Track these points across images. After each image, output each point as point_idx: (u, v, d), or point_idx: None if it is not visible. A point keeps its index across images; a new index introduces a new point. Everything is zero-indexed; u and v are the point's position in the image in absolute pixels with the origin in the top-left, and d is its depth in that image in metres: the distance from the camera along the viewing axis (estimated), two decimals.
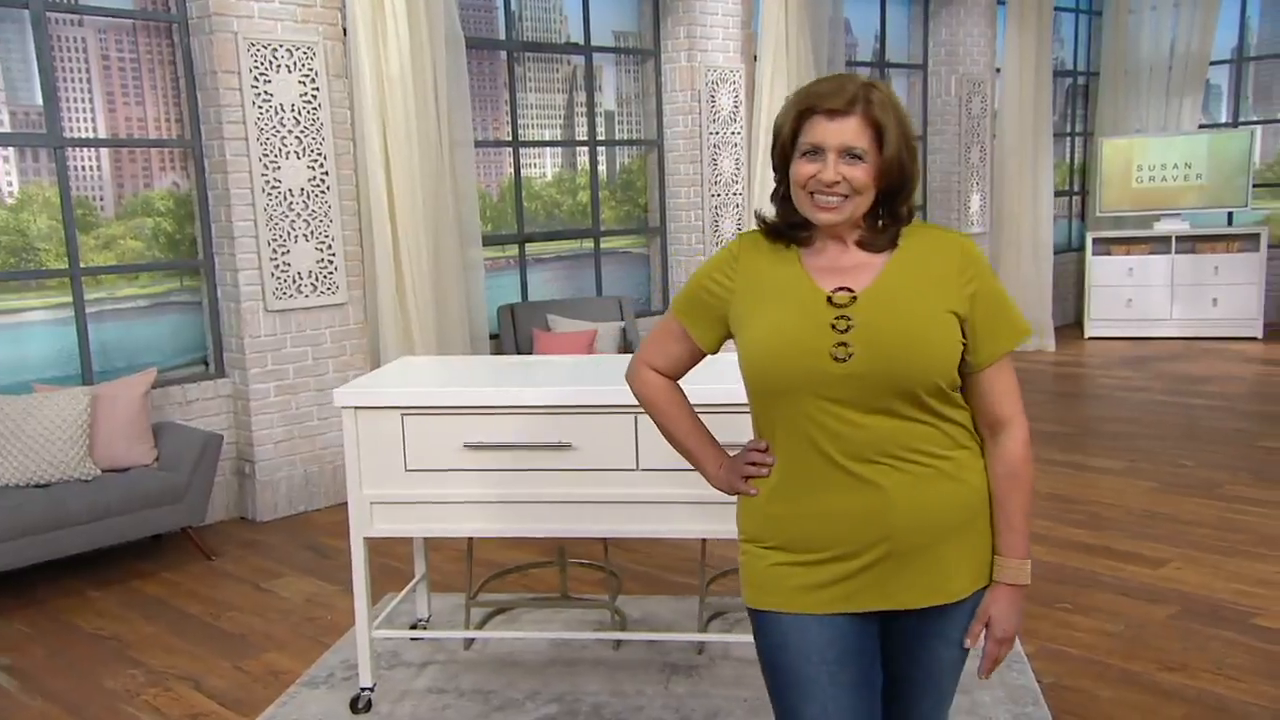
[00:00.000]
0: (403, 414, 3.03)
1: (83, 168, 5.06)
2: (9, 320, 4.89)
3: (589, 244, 7.00)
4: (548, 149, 6.81)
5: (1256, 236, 9.46)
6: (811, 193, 1.69)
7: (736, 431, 2.02)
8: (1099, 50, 10.83)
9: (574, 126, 6.88)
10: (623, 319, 6.28)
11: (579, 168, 6.95)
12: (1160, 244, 9.66)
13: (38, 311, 4.97)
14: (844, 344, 1.68)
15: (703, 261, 1.94)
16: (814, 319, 1.70)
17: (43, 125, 4.88)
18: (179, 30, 5.17)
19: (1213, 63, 10.42)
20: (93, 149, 5.07)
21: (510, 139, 6.53)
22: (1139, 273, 9.73)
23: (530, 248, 6.68)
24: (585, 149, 6.93)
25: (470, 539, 3.59)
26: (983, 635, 1.81)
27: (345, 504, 5.33)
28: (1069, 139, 10.96)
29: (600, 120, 6.97)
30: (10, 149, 4.86)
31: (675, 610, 3.91)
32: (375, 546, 3.90)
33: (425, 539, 3.73)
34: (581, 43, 6.81)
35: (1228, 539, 4.56)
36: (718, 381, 2.13)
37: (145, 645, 3.89)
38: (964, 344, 1.72)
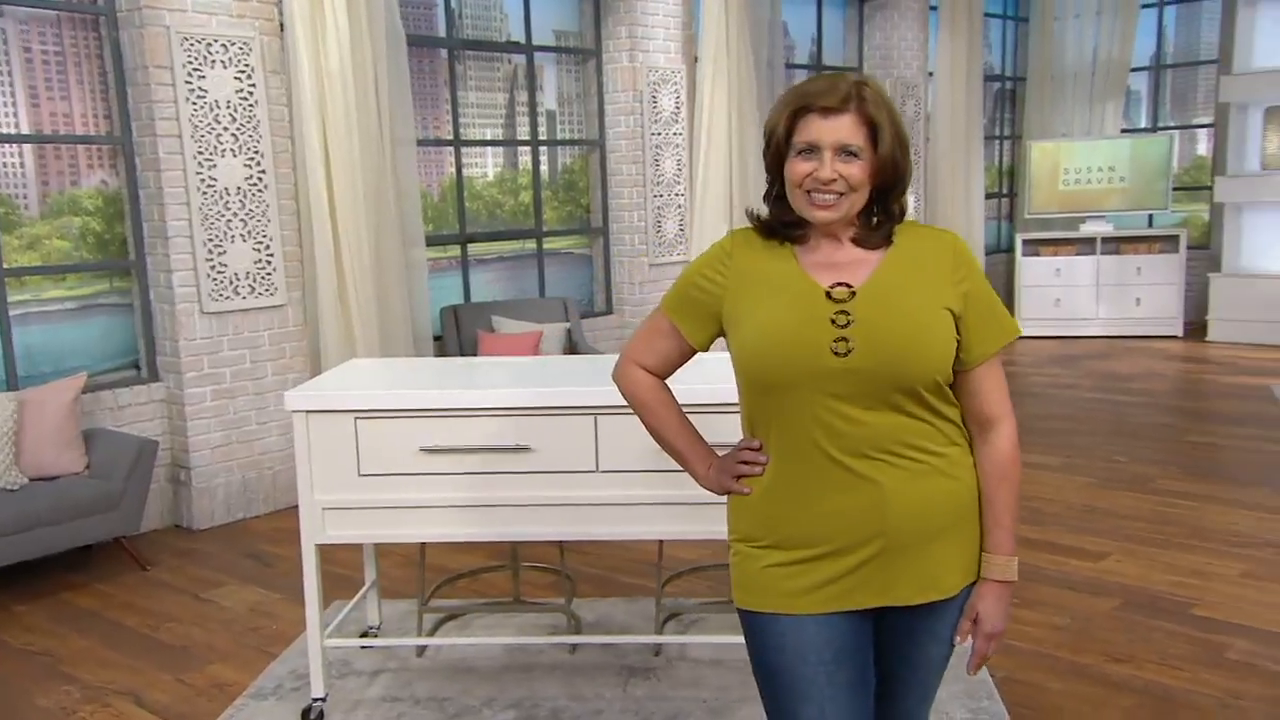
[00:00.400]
0: (356, 417, 2.94)
1: (4, 165, 4.86)
2: None
3: (531, 244, 6.93)
4: (489, 148, 6.73)
5: (1176, 238, 9.72)
6: (808, 191, 1.70)
7: (724, 433, 1.98)
8: (1026, 56, 11.05)
9: (515, 126, 6.81)
10: (568, 320, 6.23)
11: (521, 167, 6.88)
12: (1086, 245, 9.87)
13: None
14: (844, 339, 1.68)
15: (690, 261, 1.95)
16: (813, 314, 1.70)
17: None
18: (106, 23, 5.00)
19: (1133, 69, 10.69)
20: (15, 145, 4.88)
21: (451, 138, 6.43)
22: (1066, 273, 9.93)
23: (472, 248, 6.59)
24: (527, 149, 6.86)
25: (423, 544, 3.51)
26: (970, 632, 1.83)
27: (286, 510, 5.35)
28: (998, 142, 11.16)
29: (542, 120, 6.91)
30: None
31: (630, 612, 3.87)
32: (322, 553, 3.81)
33: (375, 545, 3.64)
34: (522, 41, 6.74)
35: (1163, 531, 4.65)
36: (705, 381, 2.09)
37: (79, 660, 3.75)
38: (958, 340, 1.73)
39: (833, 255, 1.76)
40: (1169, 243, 9.72)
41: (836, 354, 1.67)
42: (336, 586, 4.17)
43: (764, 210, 1.82)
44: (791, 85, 1.80)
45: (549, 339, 5.93)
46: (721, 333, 1.85)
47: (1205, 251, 10.16)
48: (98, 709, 3.38)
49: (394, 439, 2.95)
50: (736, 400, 1.86)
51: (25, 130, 4.89)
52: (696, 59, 7.28)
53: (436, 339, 6.09)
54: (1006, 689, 3.26)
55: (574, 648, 3.56)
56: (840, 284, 1.72)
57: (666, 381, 1.96)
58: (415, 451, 2.94)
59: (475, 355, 5.79)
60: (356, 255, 5.38)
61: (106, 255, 5.13)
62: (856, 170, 1.68)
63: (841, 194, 1.69)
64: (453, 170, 6.47)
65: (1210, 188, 10.15)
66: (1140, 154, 9.88)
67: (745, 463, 1.81)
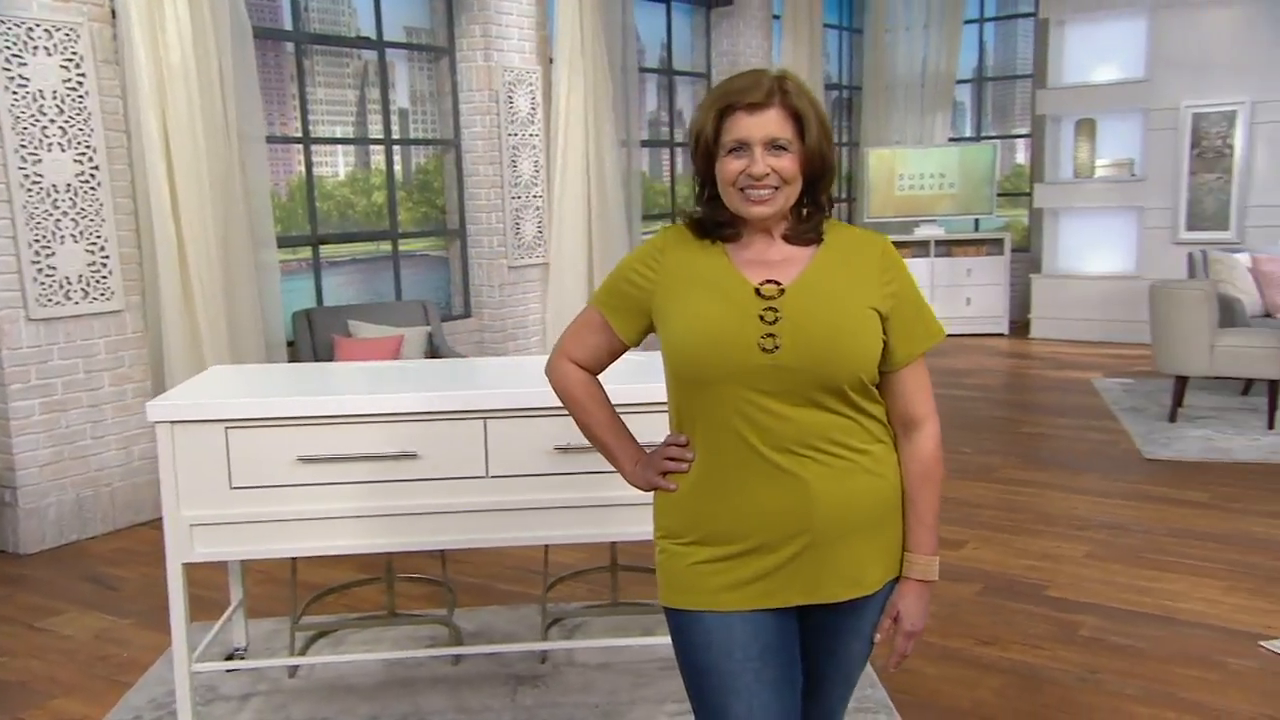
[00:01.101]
0: (227, 427, 2.76)
1: None
2: None
3: (386, 246, 6.71)
4: (340, 147, 6.49)
5: (1001, 241, 10.24)
6: (742, 188, 1.70)
7: (657, 433, 1.94)
8: (861, 66, 11.44)
9: (367, 124, 6.59)
10: (428, 323, 6.05)
11: (373, 167, 6.66)
12: (920, 248, 10.28)
13: None
14: (771, 335, 1.69)
15: (624, 256, 1.92)
16: (741, 310, 1.71)
17: None
18: None
19: (958, 81, 11.22)
20: None
21: (300, 135, 6.17)
22: None
23: (324, 250, 6.33)
24: (380, 147, 6.64)
25: (294, 559, 3.33)
26: (890, 630, 1.85)
27: (129, 530, 5.02)
28: (837, 149, 11.49)
29: (395, 118, 6.70)
30: None
31: (513, 620, 3.77)
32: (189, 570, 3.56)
33: (242, 562, 3.44)
34: (373, 37, 6.53)
35: (1012, 518, 4.87)
36: (638, 380, 2.05)
37: None
38: (884, 342, 1.75)
39: (765, 252, 1.76)
40: (995, 246, 10.23)
41: (764, 350, 1.68)
42: (194, 608, 3.92)
43: (696, 211, 1.82)
44: (715, 85, 1.85)
45: (410, 343, 5.75)
46: (652, 328, 1.84)
47: (1026, 254, 10.74)
48: None
49: (269, 449, 2.78)
50: (666, 399, 1.84)
51: None
52: (552, 60, 7.22)
53: (289, 345, 5.82)
54: (887, 676, 3.33)
55: (457, 659, 3.45)
56: (770, 281, 1.73)
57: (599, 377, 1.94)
58: (292, 462, 2.78)
59: (331, 360, 5.55)
60: (203, 257, 5.08)
61: None
62: (788, 163, 1.70)
63: (775, 188, 1.70)
64: (302, 169, 6.21)
65: (1029, 194, 10.75)
66: (967, 161, 10.37)
67: (671, 459, 1.81)
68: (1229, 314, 6.73)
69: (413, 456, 2.81)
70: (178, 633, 2.90)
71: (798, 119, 1.70)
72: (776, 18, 9.73)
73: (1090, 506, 5.01)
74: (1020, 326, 10.36)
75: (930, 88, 11.06)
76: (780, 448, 1.71)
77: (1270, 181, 8.80)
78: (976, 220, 10.83)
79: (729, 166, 1.70)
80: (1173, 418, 6.43)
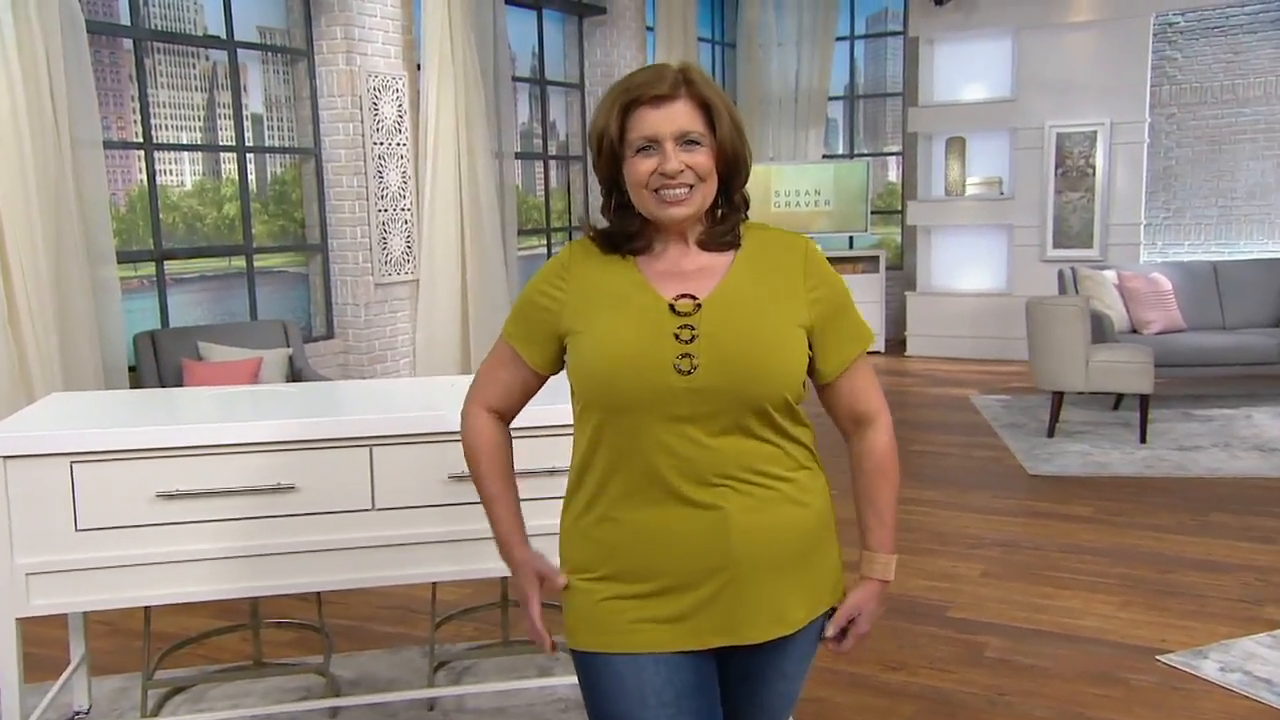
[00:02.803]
0: (72, 462, 2.52)
1: None
2: None
3: (240, 262, 6.39)
4: (186, 154, 6.15)
5: (876, 259, 10.50)
6: (655, 189, 1.61)
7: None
8: (734, 80, 11.58)
9: (217, 130, 6.28)
10: (289, 345, 5.78)
11: (225, 176, 6.34)
12: None
13: None
14: (688, 355, 1.60)
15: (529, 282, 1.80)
16: (655, 329, 1.62)
17: None
18: None
19: (831, 98, 11.47)
20: None
21: (140, 140, 5.82)
22: None
23: (170, 266, 5.98)
24: (232, 155, 6.34)
25: (146, 609, 3.07)
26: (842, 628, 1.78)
27: None
28: None
29: (248, 124, 6.41)
30: None
31: (394, 664, 3.57)
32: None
33: (84, 614, 3.16)
34: (223, 36, 6.23)
35: (906, 538, 4.88)
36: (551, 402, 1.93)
37: None
38: (810, 354, 1.69)
39: (679, 262, 1.68)
40: (870, 263, 10.48)
41: (680, 372, 1.59)
42: (29, 668, 3.59)
43: (601, 222, 1.72)
44: (616, 81, 1.69)
45: (269, 366, 5.47)
46: (564, 352, 1.73)
47: (900, 271, 11.03)
48: None
49: (122, 485, 2.55)
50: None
51: None
52: (419, 66, 7.04)
53: (131, 370, 5.46)
54: (798, 708, 3.27)
55: (335, 711, 3.24)
56: (685, 295, 1.64)
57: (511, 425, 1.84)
58: (150, 498, 2.56)
59: (181, 386, 5.24)
60: (31, 274, 4.73)
61: None
62: (702, 158, 1.61)
63: (691, 185, 1.61)
64: (143, 177, 5.86)
65: (901, 211, 11.05)
66: (841, 179, 10.59)
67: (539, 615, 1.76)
68: (1100, 330, 7.00)
69: (290, 489, 2.62)
70: (9, 698, 2.63)
71: (707, 110, 1.62)
72: (650, 29, 9.76)
73: (982, 524, 5.11)
74: (896, 344, 10.62)
75: (804, 104, 11.28)
76: (697, 479, 1.61)
77: (1129, 200, 9.26)
78: (851, 238, 11.07)
79: (638, 167, 1.60)
80: (1051, 433, 6.65)
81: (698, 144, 1.61)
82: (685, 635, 1.65)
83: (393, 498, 2.67)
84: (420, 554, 2.70)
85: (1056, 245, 9.43)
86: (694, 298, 1.63)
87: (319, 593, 3.23)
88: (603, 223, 1.71)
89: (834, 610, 1.76)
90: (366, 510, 2.67)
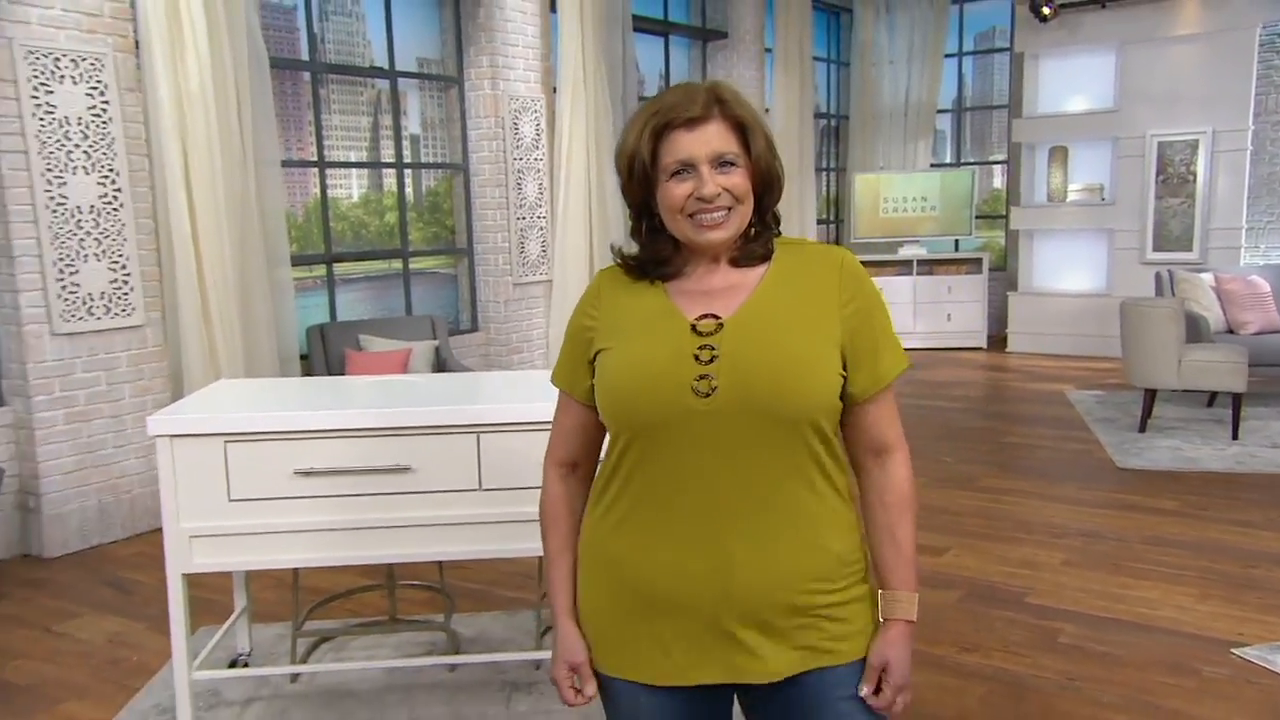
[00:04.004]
0: (226, 441, 2.61)
1: None
2: None
3: (397, 264, 6.57)
4: (354, 170, 6.35)
5: (979, 260, 10.09)
6: (691, 214, 1.41)
7: None
8: (848, 96, 11.31)
9: (380, 149, 6.46)
10: (436, 337, 5.91)
11: (386, 189, 6.52)
12: (904, 267, 10.13)
13: None
14: (706, 376, 1.38)
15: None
16: (675, 350, 1.41)
17: None
18: None
19: (939, 111, 11.09)
20: None
21: (316, 159, 6.04)
22: (887, 292, 10.14)
23: (338, 268, 6.19)
24: (392, 171, 6.51)
25: (295, 569, 3.18)
26: (877, 684, 1.47)
27: (147, 534, 4.85)
28: (825, 174, 11.37)
29: (406, 143, 6.58)
30: None
31: (510, 626, 3.61)
32: (189, 579, 3.41)
33: (251, 571, 3.28)
34: (386, 67, 6.40)
35: (992, 526, 4.70)
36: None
37: None
38: (844, 376, 1.44)
39: (706, 280, 1.47)
40: (974, 265, 10.08)
41: (698, 394, 1.38)
42: (204, 611, 3.76)
43: (630, 246, 1.54)
44: (643, 105, 1.49)
45: (418, 356, 5.60)
46: None
47: (1003, 273, 10.59)
48: None
49: (267, 462, 2.63)
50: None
51: None
52: (555, 89, 7.09)
53: (303, 358, 5.68)
54: None
55: (454, 666, 3.29)
56: (708, 315, 1.43)
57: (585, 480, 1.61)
58: (289, 475, 2.63)
59: (343, 374, 5.41)
60: (220, 275, 4.95)
61: None
62: (738, 179, 1.41)
63: (729, 208, 1.41)
64: (317, 191, 6.08)
65: (1006, 216, 10.60)
66: (948, 186, 10.23)
67: (570, 698, 1.54)
68: (1195, 330, 6.56)
69: (407, 470, 2.66)
70: (178, 640, 2.75)
71: (741, 130, 1.42)
72: (769, 50, 9.60)
73: (1067, 514, 4.85)
74: (997, 341, 10.20)
75: (913, 117, 10.94)
76: (710, 508, 1.40)
77: (1230, 205, 8.66)
78: (956, 241, 10.68)
79: (673, 192, 1.41)
80: (1143, 428, 6.27)
81: (733, 165, 1.41)
82: (680, 669, 1.45)
83: (497, 479, 2.67)
84: (522, 530, 2.68)
85: (1156, 248, 8.89)
86: (717, 317, 1.43)
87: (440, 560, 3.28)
88: (631, 247, 1.53)
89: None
90: (474, 490, 2.68)
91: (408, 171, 6.62)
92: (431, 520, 2.68)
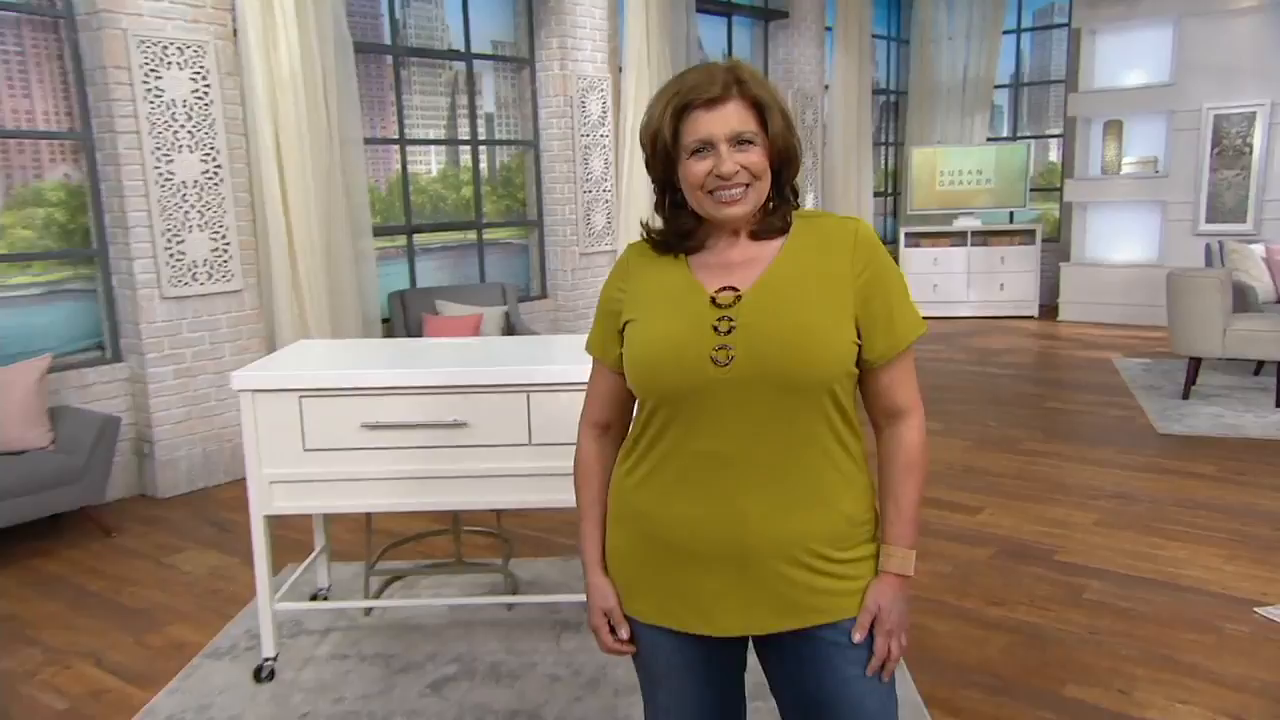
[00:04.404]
0: (300, 396, 2.71)
1: None
2: None
3: (472, 235, 6.66)
4: (432, 147, 6.44)
5: (1033, 232, 9.81)
6: (710, 190, 1.39)
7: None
8: (907, 73, 11.03)
9: (456, 127, 6.53)
10: (506, 303, 5.99)
11: (462, 165, 6.60)
12: (959, 238, 9.91)
13: None
14: (725, 347, 1.37)
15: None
16: (696, 321, 1.40)
17: None
18: (66, 26, 4.62)
19: (996, 86, 10.75)
20: None
21: (397, 137, 6.13)
22: (942, 262, 9.96)
23: (418, 238, 6.31)
24: (468, 148, 6.58)
25: (368, 513, 3.29)
26: (868, 629, 1.47)
27: (243, 480, 5.03)
28: (884, 148, 11.14)
29: (481, 122, 6.63)
30: None
31: (564, 571, 3.69)
32: (275, 520, 3.55)
33: (329, 514, 3.41)
34: (462, 50, 6.45)
35: (1028, 487, 4.62)
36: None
37: (44, 623, 3.45)
38: (858, 343, 1.42)
39: (726, 254, 1.45)
40: (1027, 236, 9.81)
41: (717, 364, 1.37)
42: (290, 550, 3.93)
43: (657, 222, 1.52)
44: (665, 85, 1.45)
45: (489, 321, 5.69)
46: None
47: (1056, 244, 10.28)
48: (58, 671, 3.11)
49: (337, 416, 2.72)
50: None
51: None
52: (621, 69, 7.07)
53: (385, 321, 5.81)
54: None
55: (511, 606, 3.38)
56: (726, 288, 1.42)
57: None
58: (357, 427, 2.72)
59: (420, 336, 5.53)
60: (308, 245, 5.09)
61: (70, 244, 4.76)
62: (756, 157, 1.39)
63: (746, 185, 1.39)
64: (399, 167, 6.18)
65: (1060, 189, 10.27)
66: (1003, 159, 9.94)
67: (610, 643, 1.55)
68: (1243, 299, 6.31)
69: (463, 425, 2.72)
70: (261, 574, 2.88)
71: (759, 109, 1.39)
72: (829, 29, 9.41)
73: (1103, 477, 4.73)
74: (1049, 310, 9.93)
75: (970, 92, 10.64)
76: (728, 470, 1.40)
77: None
78: (1011, 213, 10.40)
79: (694, 169, 1.39)
80: (1186, 395, 6.07)
81: (751, 143, 1.39)
82: (697, 618, 1.46)
83: (546, 434, 2.72)
84: (568, 483, 2.71)
85: (1209, 220, 8.52)
86: (735, 289, 1.42)
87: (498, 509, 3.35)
88: (658, 221, 1.52)
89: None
90: (524, 444, 2.73)
91: (482, 148, 6.68)
92: (486, 472, 2.75)
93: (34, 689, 2.99)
